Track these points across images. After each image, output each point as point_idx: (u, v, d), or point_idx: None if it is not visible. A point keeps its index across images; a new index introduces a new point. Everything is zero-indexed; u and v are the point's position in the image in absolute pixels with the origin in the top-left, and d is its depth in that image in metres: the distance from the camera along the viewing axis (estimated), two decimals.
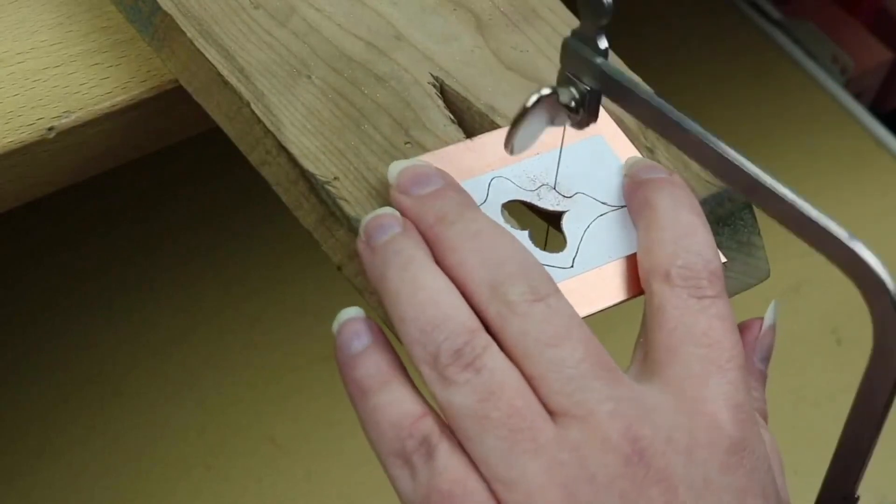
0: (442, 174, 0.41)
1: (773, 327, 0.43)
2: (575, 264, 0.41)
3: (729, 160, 0.38)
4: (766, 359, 0.43)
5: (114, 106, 0.50)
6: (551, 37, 0.49)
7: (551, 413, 0.36)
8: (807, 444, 0.65)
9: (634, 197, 0.42)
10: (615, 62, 0.48)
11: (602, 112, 0.45)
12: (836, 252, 0.36)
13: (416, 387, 0.39)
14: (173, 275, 0.82)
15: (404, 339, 0.38)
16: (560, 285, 0.40)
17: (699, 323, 0.38)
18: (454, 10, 0.50)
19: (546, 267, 0.40)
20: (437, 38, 0.48)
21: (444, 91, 0.46)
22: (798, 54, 1.04)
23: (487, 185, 0.42)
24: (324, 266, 0.42)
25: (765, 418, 0.41)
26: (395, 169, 0.41)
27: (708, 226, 0.41)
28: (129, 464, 0.75)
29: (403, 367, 0.39)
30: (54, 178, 0.51)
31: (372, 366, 0.39)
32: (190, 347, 0.79)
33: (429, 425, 0.37)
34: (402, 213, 0.40)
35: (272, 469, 0.75)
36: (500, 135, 0.44)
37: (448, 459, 0.37)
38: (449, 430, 0.37)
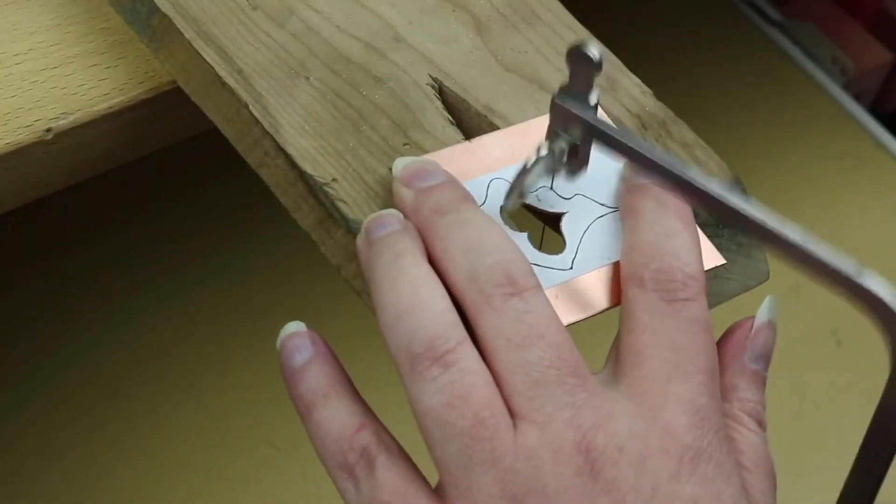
0: (444, 171, 0.41)
1: (768, 325, 0.42)
2: (574, 266, 0.41)
3: (732, 207, 0.37)
4: (762, 357, 0.42)
5: (112, 107, 0.50)
6: (550, 38, 0.49)
7: (513, 414, 0.36)
8: (807, 446, 0.64)
9: (623, 202, 0.42)
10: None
11: (602, 114, 0.45)
12: (847, 289, 0.36)
13: (359, 397, 0.40)
14: (172, 276, 0.82)
15: (381, 326, 0.38)
16: (559, 287, 0.40)
17: (667, 326, 0.38)
18: (453, 11, 0.49)
19: (545, 269, 0.40)
20: (436, 39, 0.48)
21: (442, 92, 0.46)
22: (798, 55, 1.04)
23: (487, 187, 0.42)
24: (322, 268, 0.42)
25: (758, 420, 0.40)
26: (400, 164, 0.42)
27: (694, 230, 0.41)
28: (128, 465, 0.74)
29: (346, 380, 0.40)
30: (52, 179, 0.51)
31: (313, 380, 0.40)
32: (189, 349, 0.79)
33: (367, 437, 0.38)
34: (403, 205, 0.41)
35: (271, 470, 0.75)
36: (499, 136, 0.44)
37: (387, 470, 0.37)
38: (389, 438, 0.38)
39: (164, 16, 0.47)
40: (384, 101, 0.45)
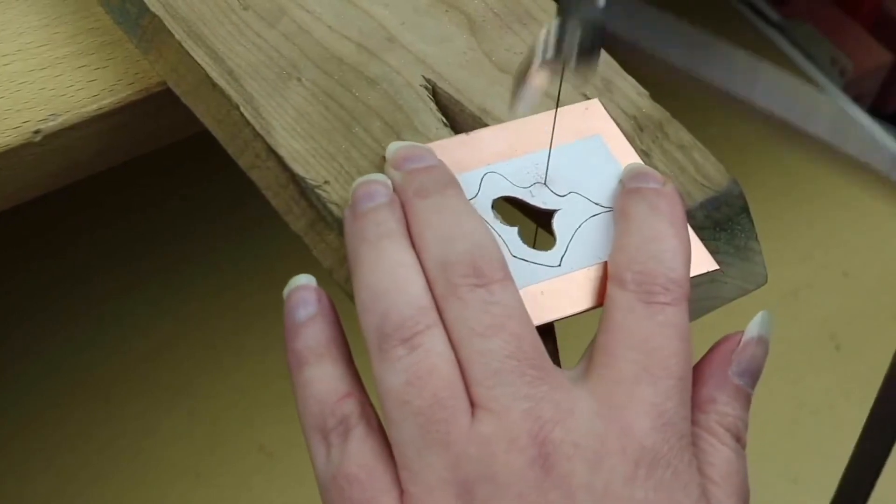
0: (435, 156, 0.42)
1: (758, 340, 0.41)
2: (563, 263, 0.41)
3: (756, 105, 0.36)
4: (747, 373, 0.41)
5: (101, 109, 0.50)
6: None
7: (472, 403, 0.36)
8: (805, 452, 0.64)
9: (617, 204, 0.42)
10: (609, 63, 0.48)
11: (602, 111, 0.45)
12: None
13: (352, 365, 0.40)
14: (163, 279, 0.82)
15: (357, 305, 0.38)
16: (546, 284, 0.40)
17: (642, 328, 0.38)
18: (447, 11, 0.49)
19: (533, 264, 0.40)
20: (430, 39, 0.48)
21: (436, 93, 0.46)
22: (797, 56, 1.03)
23: (480, 180, 0.42)
24: (314, 271, 0.42)
25: (736, 435, 0.40)
26: (393, 147, 0.42)
27: (685, 237, 0.40)
28: (118, 471, 0.74)
29: (344, 343, 0.40)
30: (41, 181, 0.51)
31: (311, 337, 0.40)
32: (180, 353, 0.79)
33: (350, 406, 0.38)
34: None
35: (262, 476, 0.75)
36: (496, 131, 0.44)
37: (361, 443, 0.38)
38: (372, 412, 0.38)
39: (154, 16, 0.46)
40: (377, 103, 0.45)
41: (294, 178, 0.42)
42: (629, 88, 0.48)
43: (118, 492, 0.74)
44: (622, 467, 0.36)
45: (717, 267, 0.42)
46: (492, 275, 0.38)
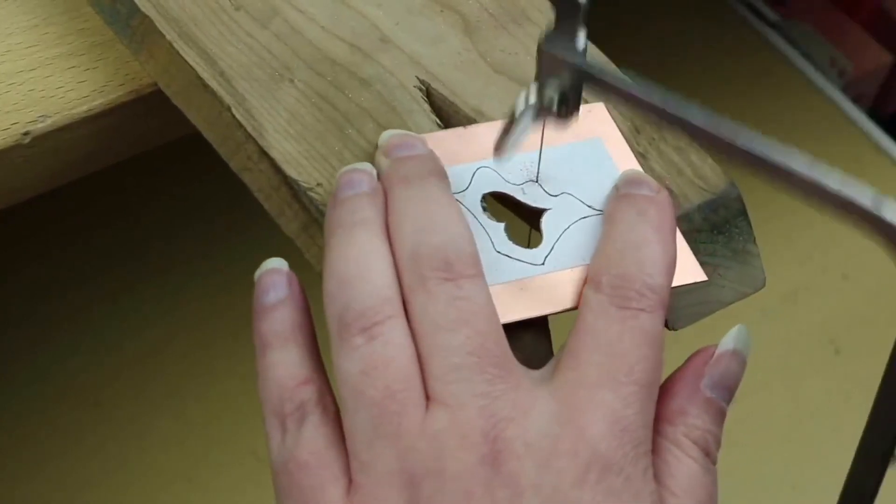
0: (427, 145, 0.42)
1: (733, 353, 0.41)
2: (546, 262, 0.41)
3: (736, 145, 0.36)
4: (720, 387, 0.40)
5: (91, 110, 0.50)
6: None
7: (428, 397, 0.36)
8: (805, 457, 0.64)
9: (607, 208, 0.42)
10: (595, 55, 0.47)
11: (605, 114, 0.45)
12: (864, 222, 0.33)
13: (315, 352, 0.40)
14: (154, 283, 0.82)
15: (324, 291, 0.38)
16: (527, 281, 0.40)
17: (610, 332, 0.37)
18: (441, 11, 0.49)
19: (516, 261, 0.40)
20: (424, 40, 0.48)
21: (430, 95, 0.46)
22: (795, 57, 1.03)
23: (472, 174, 0.42)
24: (307, 275, 0.42)
25: (704, 448, 0.39)
26: (386, 134, 0.42)
27: (670, 244, 0.40)
28: (109, 476, 0.74)
29: (310, 330, 0.40)
30: (31, 183, 0.51)
31: (278, 321, 0.40)
32: (171, 358, 0.79)
33: (308, 393, 0.38)
34: (378, 174, 0.41)
35: (254, 482, 0.75)
36: (493, 127, 0.43)
37: (315, 430, 0.38)
38: (331, 400, 0.39)
39: (145, 16, 0.46)
40: (370, 104, 0.45)
41: (286, 181, 0.42)
42: None
43: (108, 498, 0.73)
44: (572, 470, 0.35)
45: (704, 277, 0.42)
46: (462, 270, 0.38)
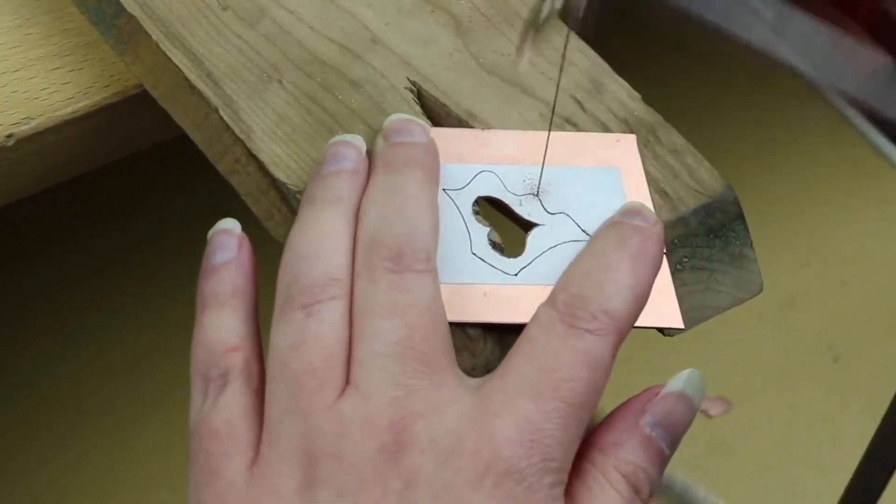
0: (427, 135, 0.42)
1: (679, 395, 0.39)
2: (519, 275, 0.40)
3: None
4: (661, 426, 0.39)
5: (75, 112, 0.50)
6: None
7: (348, 381, 0.36)
8: (803, 465, 0.63)
9: (593, 233, 0.41)
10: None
11: (633, 147, 0.44)
12: None
13: (253, 318, 0.40)
14: (139, 289, 0.82)
15: (281, 262, 0.39)
16: (492, 287, 0.40)
17: (550, 346, 0.37)
18: (432, 11, 0.48)
19: (488, 266, 0.40)
20: (415, 41, 0.47)
21: (421, 96, 0.45)
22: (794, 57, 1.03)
23: (474, 175, 0.42)
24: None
25: (634, 484, 0.38)
26: (391, 118, 0.42)
27: (645, 277, 0.38)
28: (93, 485, 0.74)
29: (251, 295, 0.41)
30: (13, 187, 0.51)
31: (220, 283, 0.40)
32: (157, 364, 0.78)
33: (235, 360, 0.39)
34: (374, 155, 0.41)
35: None
36: (510, 136, 0.44)
37: (233, 398, 0.38)
38: (258, 371, 0.39)
39: (131, 16, 0.46)
40: (360, 106, 0.44)
41: (275, 184, 0.42)
42: (620, 91, 0.47)
43: None
44: (470, 469, 0.35)
45: (680, 326, 0.41)
46: (411, 263, 0.38)
